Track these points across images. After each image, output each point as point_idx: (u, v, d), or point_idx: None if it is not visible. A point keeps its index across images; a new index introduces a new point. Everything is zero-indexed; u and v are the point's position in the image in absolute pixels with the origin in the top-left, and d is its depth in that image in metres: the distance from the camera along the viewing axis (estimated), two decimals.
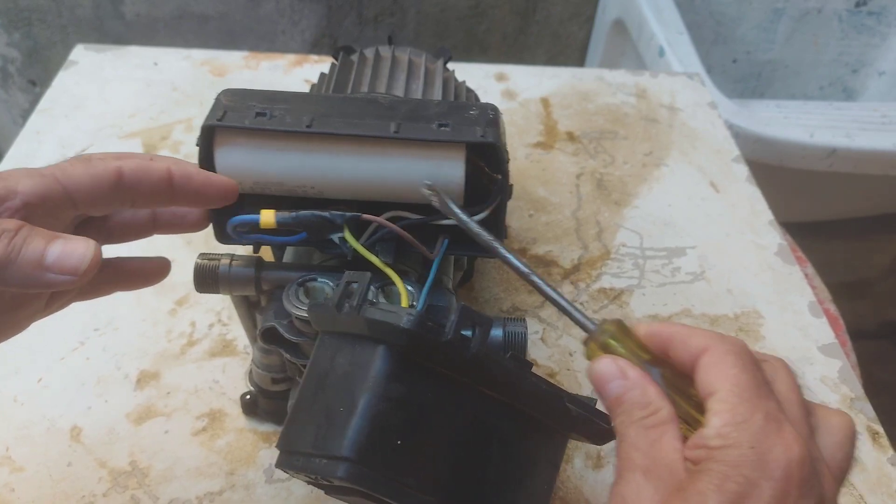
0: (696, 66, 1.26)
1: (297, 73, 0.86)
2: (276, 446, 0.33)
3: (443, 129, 0.38)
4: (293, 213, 0.39)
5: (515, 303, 0.62)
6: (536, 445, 0.37)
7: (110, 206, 0.36)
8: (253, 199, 0.41)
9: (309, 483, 0.34)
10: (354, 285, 0.34)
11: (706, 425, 0.28)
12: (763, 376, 0.30)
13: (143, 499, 0.47)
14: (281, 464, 0.33)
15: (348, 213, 0.39)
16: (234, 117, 0.38)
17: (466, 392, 0.34)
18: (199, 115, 0.76)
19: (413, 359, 0.32)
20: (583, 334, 0.34)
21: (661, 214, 0.73)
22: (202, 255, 0.43)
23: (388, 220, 0.40)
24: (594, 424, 0.37)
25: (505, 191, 0.40)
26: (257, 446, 0.51)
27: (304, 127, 0.37)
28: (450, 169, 0.39)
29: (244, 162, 0.39)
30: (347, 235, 0.39)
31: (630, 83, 0.91)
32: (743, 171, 0.79)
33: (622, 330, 0.33)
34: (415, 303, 0.39)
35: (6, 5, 1.38)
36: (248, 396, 0.51)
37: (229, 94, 0.41)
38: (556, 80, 0.90)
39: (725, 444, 0.27)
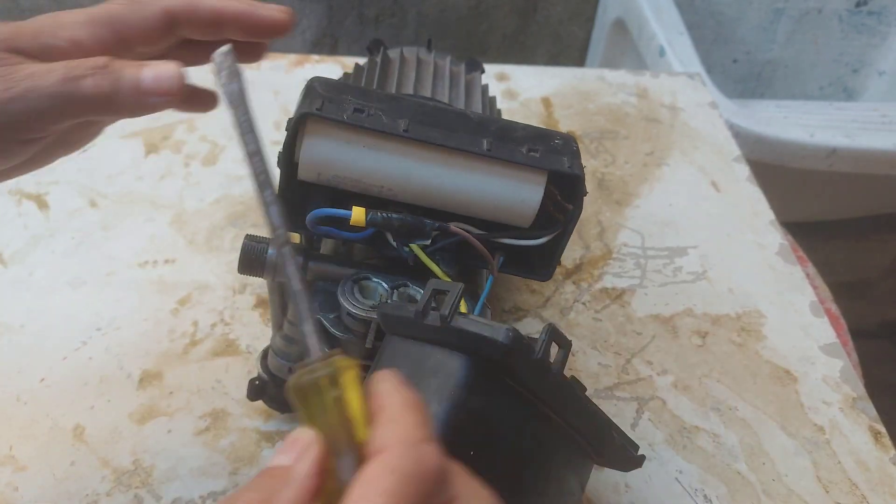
0: (696, 66, 1.26)
1: (298, 73, 0.86)
2: None
3: (532, 154, 0.39)
4: (384, 215, 0.39)
5: (517, 303, 0.63)
6: (577, 468, 0.38)
7: (161, 44, 0.37)
8: (320, 190, 0.41)
9: None
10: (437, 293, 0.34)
11: None
12: None
13: (146, 498, 0.47)
14: None
15: (437, 223, 0.40)
16: (333, 109, 0.38)
17: (532, 410, 0.34)
18: (200, 115, 0.76)
19: (491, 372, 0.32)
20: None
21: (662, 214, 0.73)
22: (250, 237, 0.43)
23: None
24: (627, 453, 0.38)
25: (575, 221, 0.41)
26: (260, 446, 0.51)
27: (401, 131, 0.38)
28: (528, 193, 0.40)
29: (331, 154, 0.39)
30: (414, 245, 0.40)
31: (631, 83, 0.91)
32: (744, 170, 0.79)
33: (350, 378, 0.24)
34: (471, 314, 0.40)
35: (7, 5, 1.38)
36: (256, 381, 0.51)
37: (322, 83, 0.40)
38: (556, 79, 0.90)
39: None
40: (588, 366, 0.58)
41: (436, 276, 0.40)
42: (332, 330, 0.41)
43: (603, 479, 0.51)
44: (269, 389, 0.51)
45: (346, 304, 0.40)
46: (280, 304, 0.48)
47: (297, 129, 0.39)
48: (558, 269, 0.66)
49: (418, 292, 0.41)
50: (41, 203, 0.68)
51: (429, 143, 0.39)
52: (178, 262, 0.64)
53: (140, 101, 0.33)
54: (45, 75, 0.31)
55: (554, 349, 0.34)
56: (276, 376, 0.50)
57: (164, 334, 0.58)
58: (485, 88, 0.57)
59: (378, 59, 0.54)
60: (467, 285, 0.39)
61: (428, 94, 0.51)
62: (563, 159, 0.39)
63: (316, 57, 0.90)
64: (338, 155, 0.39)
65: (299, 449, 0.23)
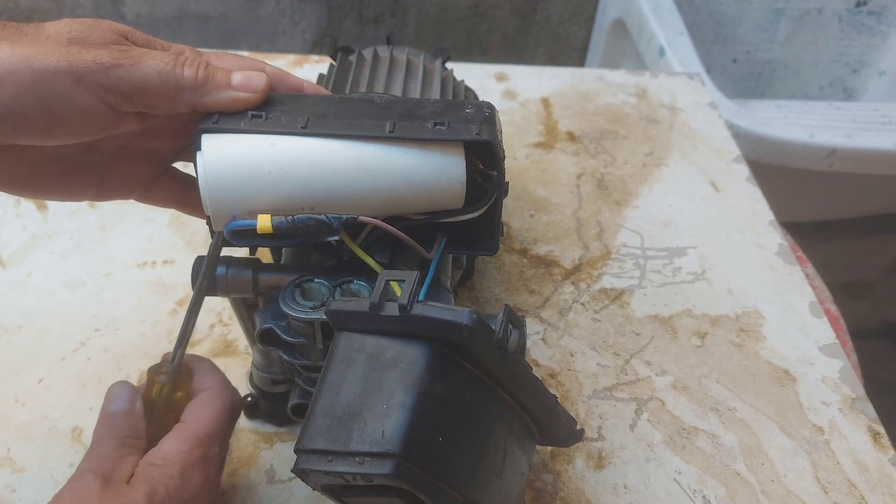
0: (696, 66, 1.26)
1: (297, 74, 0.86)
2: (296, 448, 0.33)
3: (438, 127, 0.38)
4: (289, 218, 0.38)
5: (517, 303, 0.62)
6: (526, 449, 0.39)
7: None
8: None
9: (320, 487, 0.34)
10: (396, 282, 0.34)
11: (159, 446, 0.37)
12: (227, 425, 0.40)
13: None
14: (304, 463, 0.32)
15: (345, 216, 0.39)
16: (230, 120, 0.37)
17: (488, 392, 0.35)
18: None
19: (450, 357, 0.33)
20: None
21: (661, 214, 0.73)
22: (201, 258, 0.43)
23: (386, 219, 0.39)
24: (570, 429, 0.40)
25: (500, 188, 0.40)
26: (258, 447, 0.51)
27: (300, 128, 0.37)
28: (450, 169, 0.38)
29: (237, 190, 0.37)
30: (344, 236, 0.39)
31: (630, 83, 0.91)
32: (743, 171, 0.79)
33: (173, 383, 0.40)
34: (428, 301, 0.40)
35: (6, 5, 1.38)
36: (249, 399, 0.51)
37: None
38: (556, 80, 0.90)
39: (165, 462, 0.36)
40: (587, 366, 0.58)
41: (371, 267, 0.40)
42: (284, 336, 0.41)
43: (602, 480, 0.51)
44: (261, 405, 0.51)
45: (285, 309, 0.39)
46: (248, 319, 0.47)
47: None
48: (557, 270, 0.66)
49: (362, 286, 0.41)
50: (40, 204, 0.68)
51: (333, 142, 0.37)
52: (176, 262, 0.64)
53: (227, 95, 0.37)
54: (156, 56, 0.36)
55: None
56: (264, 390, 0.50)
57: (162, 335, 0.58)
58: (448, 74, 0.57)
59: (336, 63, 0.53)
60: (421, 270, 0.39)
61: (381, 89, 0.50)
62: (471, 127, 0.38)
63: (315, 57, 0.90)
64: (245, 188, 0.37)
65: (127, 397, 0.39)
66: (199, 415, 0.38)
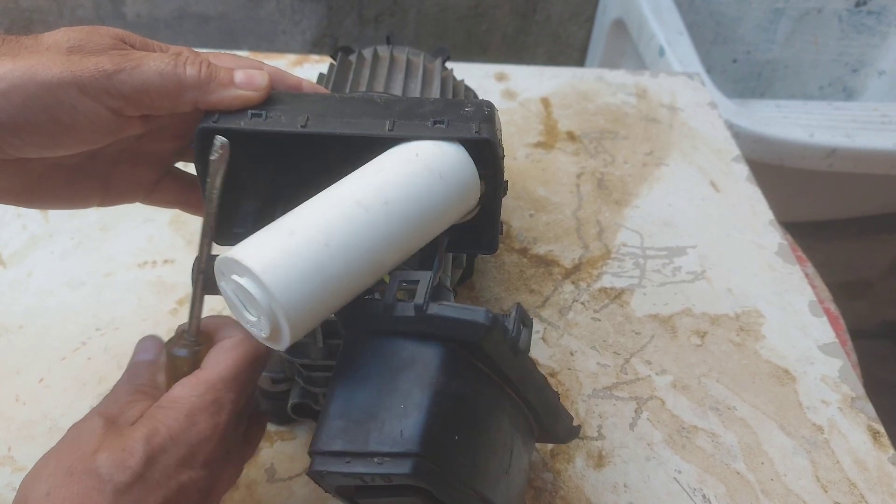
0: (696, 66, 1.26)
1: (297, 74, 0.86)
2: (310, 451, 0.32)
3: (438, 126, 0.38)
4: None
5: (516, 302, 0.62)
6: (528, 446, 0.39)
7: None
8: (249, 196, 0.41)
9: (334, 489, 0.33)
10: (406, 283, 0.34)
11: (170, 391, 0.35)
12: (250, 371, 0.37)
13: None
14: (320, 465, 0.32)
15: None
16: (230, 119, 0.38)
17: (498, 391, 0.35)
18: None
19: (463, 356, 0.33)
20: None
21: (661, 214, 0.73)
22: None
23: None
24: (569, 425, 0.40)
25: (500, 187, 0.40)
26: (258, 446, 0.51)
27: (299, 127, 0.37)
28: (466, 173, 0.38)
29: (311, 284, 0.34)
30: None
31: (630, 83, 0.91)
32: (743, 170, 0.79)
33: (195, 356, 0.38)
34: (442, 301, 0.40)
35: (7, 5, 1.39)
36: None
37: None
38: (556, 80, 0.90)
39: (172, 405, 0.34)
40: (587, 366, 0.58)
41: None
42: None
43: (602, 479, 0.51)
44: (261, 403, 0.51)
45: None
46: None
47: (202, 147, 0.36)
48: (557, 269, 0.66)
49: None
50: None
51: (376, 213, 0.34)
52: (176, 262, 0.64)
53: (229, 92, 0.37)
54: (156, 57, 0.36)
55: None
56: (264, 389, 0.50)
57: (162, 335, 0.57)
58: (448, 73, 0.57)
59: (336, 62, 0.54)
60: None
61: (381, 89, 0.50)
62: (471, 125, 0.38)
63: (315, 57, 0.90)
64: (320, 299, 0.33)
65: (154, 351, 0.39)
66: (214, 361, 0.37)
